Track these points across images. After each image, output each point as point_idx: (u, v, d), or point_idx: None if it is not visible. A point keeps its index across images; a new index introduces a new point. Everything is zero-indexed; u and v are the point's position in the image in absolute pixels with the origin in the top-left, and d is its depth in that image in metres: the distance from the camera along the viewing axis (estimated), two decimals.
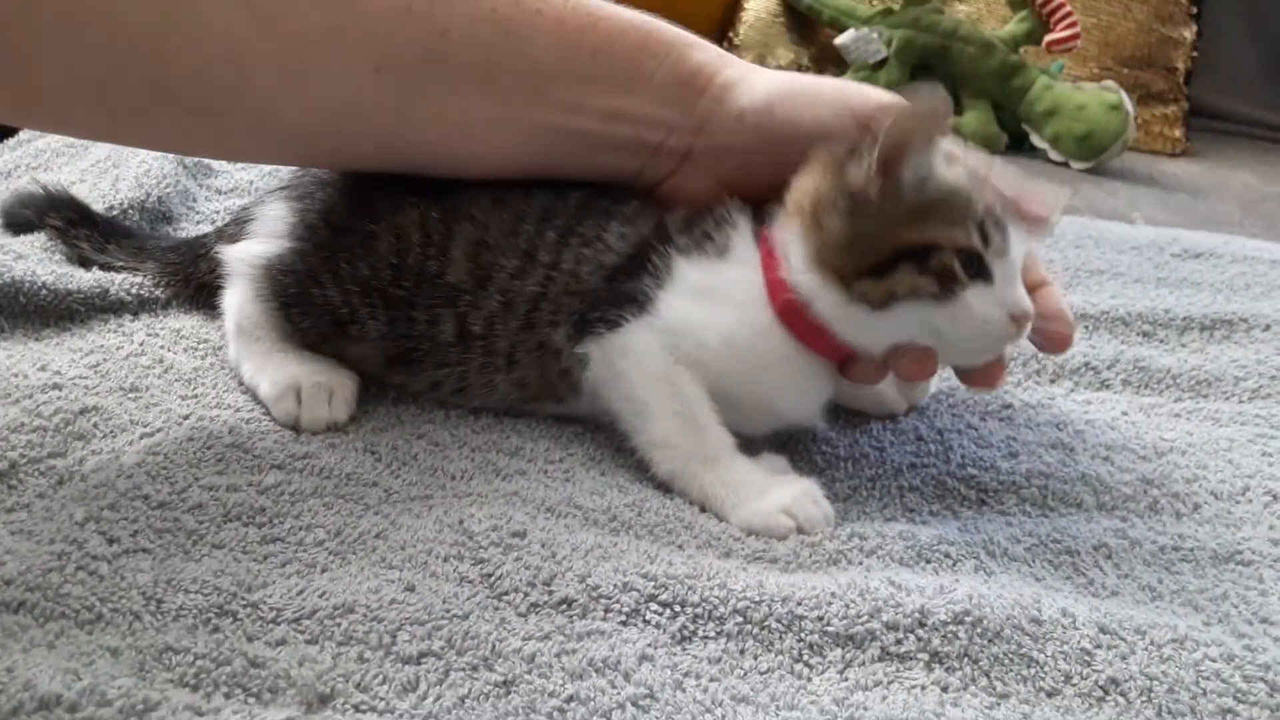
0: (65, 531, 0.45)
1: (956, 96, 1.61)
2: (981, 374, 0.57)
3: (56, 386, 0.56)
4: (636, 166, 0.59)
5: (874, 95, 0.58)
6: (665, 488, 0.55)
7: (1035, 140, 1.56)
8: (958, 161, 0.55)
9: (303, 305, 0.60)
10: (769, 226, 0.56)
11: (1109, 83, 1.56)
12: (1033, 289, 0.56)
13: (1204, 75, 1.85)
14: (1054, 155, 1.54)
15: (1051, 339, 0.59)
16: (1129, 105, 1.50)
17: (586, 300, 0.56)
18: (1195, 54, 1.82)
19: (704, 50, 0.59)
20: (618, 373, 0.55)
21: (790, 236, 0.54)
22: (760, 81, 0.59)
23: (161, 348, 0.62)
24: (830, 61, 1.69)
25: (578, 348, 0.56)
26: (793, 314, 0.55)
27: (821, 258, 0.53)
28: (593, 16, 0.57)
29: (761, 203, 0.57)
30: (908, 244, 0.52)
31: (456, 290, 0.57)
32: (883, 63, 1.59)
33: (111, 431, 0.53)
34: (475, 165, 0.59)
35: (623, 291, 0.56)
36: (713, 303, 0.55)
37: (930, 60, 1.59)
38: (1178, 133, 1.78)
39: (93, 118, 0.54)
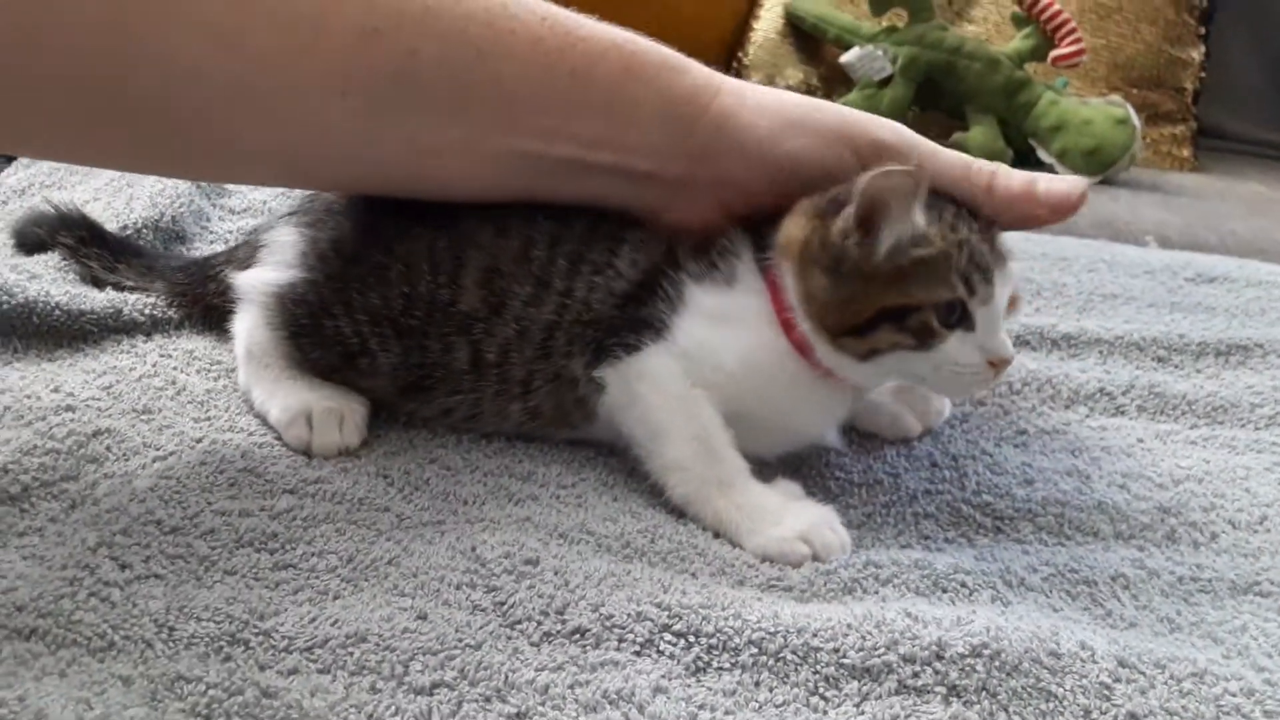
0: (77, 557, 0.45)
1: (962, 112, 1.61)
2: None
3: (70, 408, 0.56)
4: (627, 193, 0.57)
5: (876, 132, 0.57)
6: (678, 513, 0.55)
7: (1042, 155, 1.56)
8: (943, 202, 0.55)
9: (314, 336, 0.60)
10: (772, 255, 0.57)
11: (1115, 97, 1.56)
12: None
13: (1212, 96, 1.85)
14: (1061, 170, 1.54)
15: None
16: (1135, 119, 1.50)
17: (601, 328, 0.56)
18: (1203, 75, 1.82)
19: (694, 73, 0.57)
20: (635, 396, 0.55)
21: (785, 275, 0.55)
22: (761, 110, 0.56)
23: (174, 369, 0.62)
24: (839, 80, 1.69)
25: (595, 373, 0.56)
26: (801, 343, 0.56)
27: (809, 310, 0.55)
28: (572, 36, 0.54)
29: (762, 225, 0.57)
30: (888, 307, 0.53)
31: (470, 318, 0.57)
32: (888, 80, 1.60)
33: (124, 454, 0.53)
34: (449, 189, 0.57)
35: (639, 317, 0.56)
36: (727, 327, 0.56)
37: (936, 77, 1.59)
38: (1186, 152, 1.78)
39: (52, 140, 0.53)
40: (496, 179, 0.56)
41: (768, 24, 1.76)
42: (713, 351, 0.55)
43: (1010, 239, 0.97)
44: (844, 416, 0.59)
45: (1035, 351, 0.77)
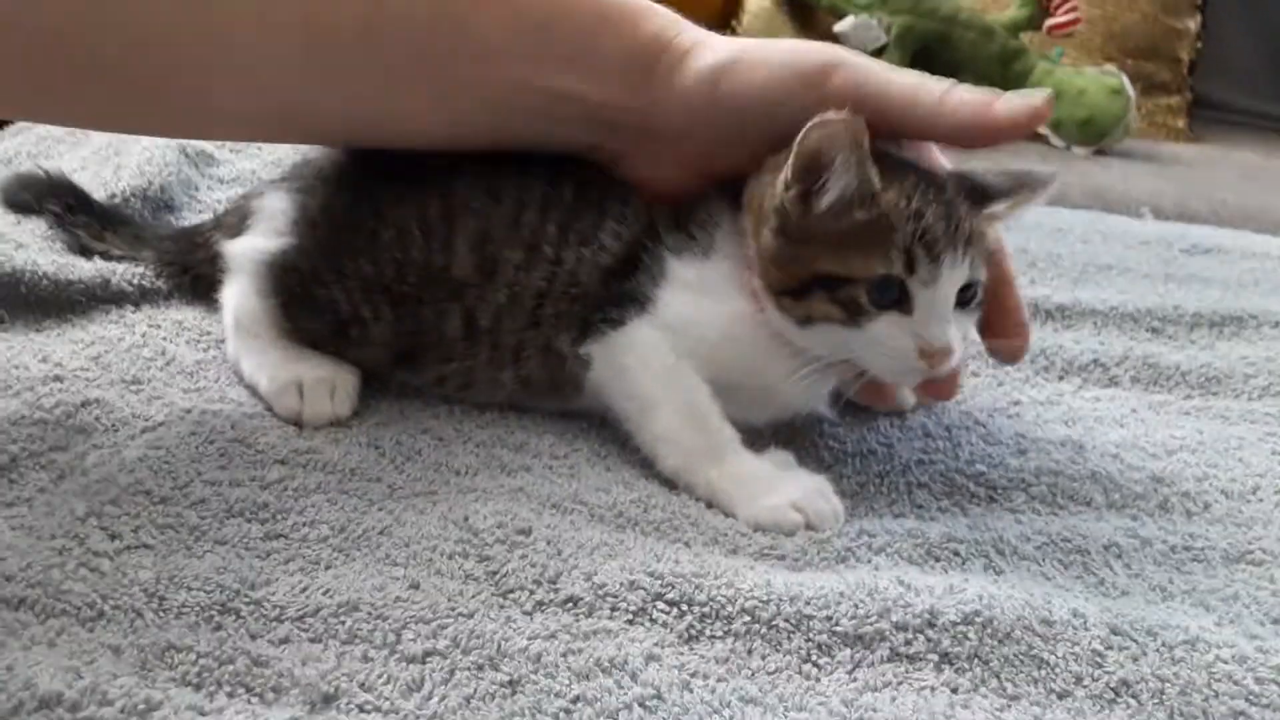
0: (66, 527, 0.44)
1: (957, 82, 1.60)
2: (931, 384, 0.56)
3: (58, 379, 0.55)
4: (591, 141, 0.57)
5: (824, 52, 0.53)
6: (671, 484, 0.54)
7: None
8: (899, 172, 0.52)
9: (305, 304, 0.59)
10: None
11: (1109, 67, 1.56)
12: (995, 285, 0.55)
13: (1207, 67, 1.85)
14: (1056, 140, 1.54)
15: (1000, 351, 0.57)
16: (1130, 89, 1.50)
17: (586, 304, 0.56)
18: (1199, 45, 1.82)
19: (658, 19, 0.55)
20: (622, 370, 0.55)
21: (746, 234, 0.54)
22: (711, 52, 0.54)
23: (163, 339, 0.62)
24: None
25: (581, 349, 0.56)
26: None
27: (757, 268, 0.53)
28: None
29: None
30: (821, 273, 0.51)
31: (463, 284, 0.57)
32: (882, 49, 1.59)
33: (113, 425, 0.53)
34: (418, 139, 0.57)
35: (623, 292, 0.56)
36: (707, 298, 0.55)
37: (930, 46, 1.58)
38: (1181, 123, 1.78)
39: (21, 98, 0.53)
40: (464, 128, 0.56)
41: None
42: (695, 323, 0.55)
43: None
44: (830, 385, 0.58)
45: (1030, 323, 0.77)
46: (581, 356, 0.56)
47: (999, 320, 0.57)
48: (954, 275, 0.52)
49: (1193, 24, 1.81)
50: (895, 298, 0.51)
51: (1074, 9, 1.51)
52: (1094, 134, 1.49)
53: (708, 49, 0.54)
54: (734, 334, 0.55)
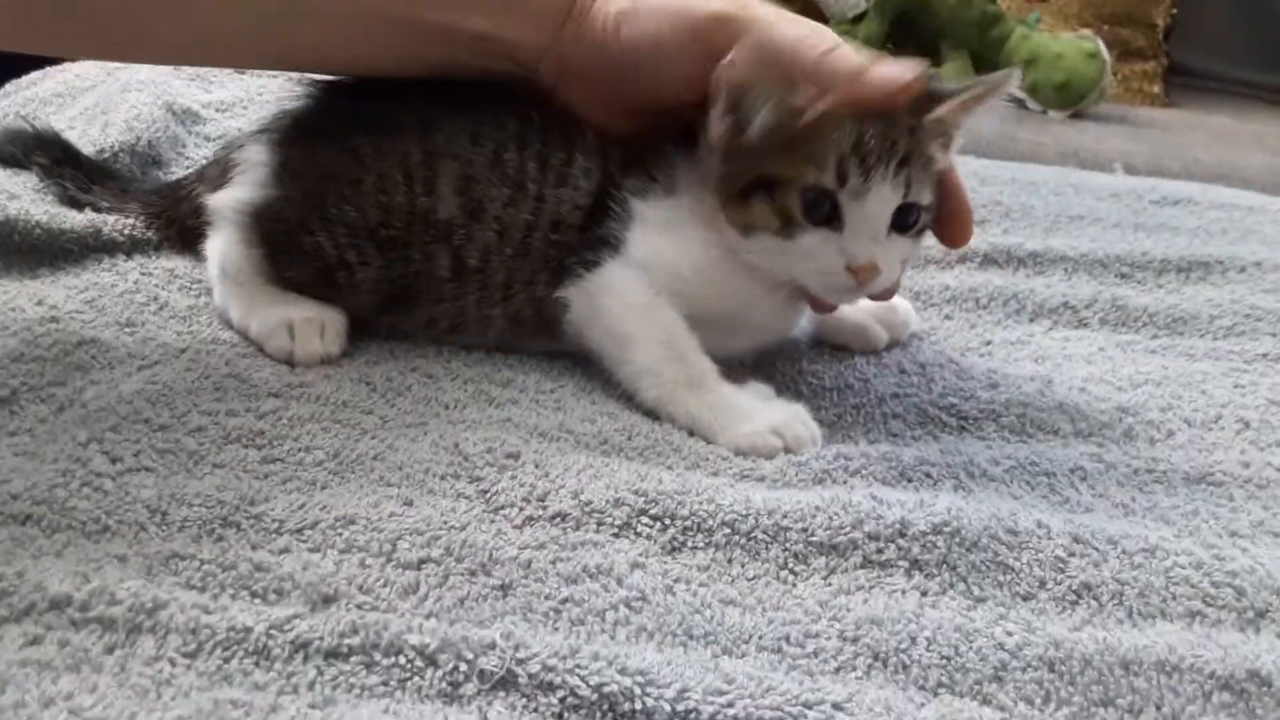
0: (69, 451, 0.46)
1: (936, 48, 1.62)
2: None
3: (54, 320, 0.57)
4: (515, 75, 0.60)
5: (710, 5, 0.55)
6: (655, 415, 0.56)
7: (1014, 89, 1.57)
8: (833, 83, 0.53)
9: (291, 252, 0.60)
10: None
11: (1085, 32, 1.58)
12: (944, 196, 0.57)
13: (1182, 33, 1.87)
14: (1033, 104, 1.56)
15: (949, 236, 0.59)
16: (1105, 54, 1.52)
17: (564, 248, 0.58)
18: (1174, 12, 1.84)
19: None
20: (599, 309, 0.57)
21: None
22: (617, 4, 0.57)
23: (156, 286, 0.63)
24: (814, 16, 1.69)
25: (557, 293, 0.57)
26: None
27: (709, 187, 0.56)
28: None
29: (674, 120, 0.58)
30: (759, 176, 0.54)
31: (450, 225, 0.58)
32: (862, 15, 1.60)
33: (109, 363, 0.54)
34: (349, 67, 0.61)
35: (596, 235, 0.58)
36: (676, 234, 0.57)
37: (910, 12, 1.60)
38: (1157, 88, 1.80)
39: None
40: (393, 61, 0.59)
41: None
42: (666, 259, 0.57)
43: (980, 166, 0.98)
44: (803, 312, 0.60)
45: (1002, 269, 0.79)
46: (559, 300, 0.58)
47: (948, 228, 0.59)
48: (886, 193, 0.53)
49: None
50: (826, 214, 0.53)
51: None
52: (1070, 98, 1.51)
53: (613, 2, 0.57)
54: (704, 264, 0.57)
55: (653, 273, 0.57)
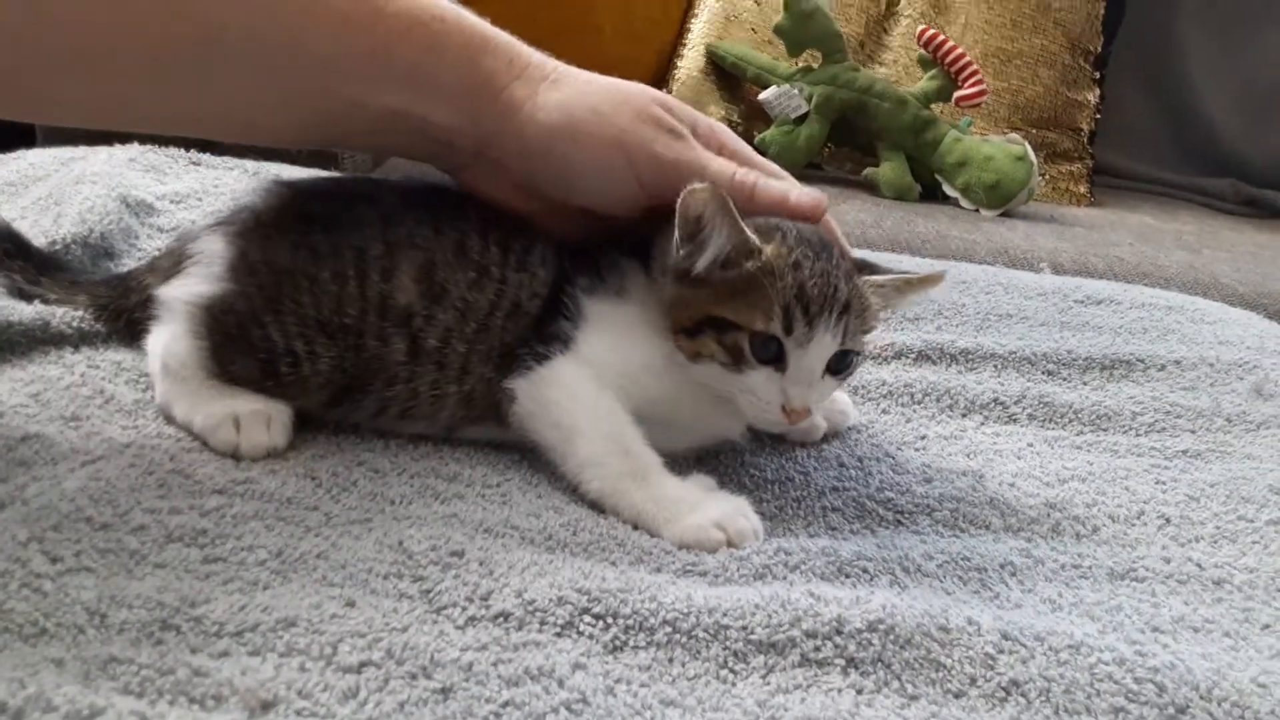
0: (8, 551, 0.45)
1: (874, 148, 1.69)
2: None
3: None
4: (433, 154, 0.61)
5: (652, 146, 0.58)
6: (600, 509, 0.57)
7: (947, 190, 1.64)
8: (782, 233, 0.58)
9: (239, 345, 0.60)
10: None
11: (1014, 135, 1.66)
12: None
13: (1106, 136, 1.97)
14: (965, 203, 1.63)
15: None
16: (1033, 156, 1.59)
17: (519, 336, 0.59)
18: (1098, 116, 1.94)
19: (495, 56, 0.59)
20: (545, 402, 0.58)
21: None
22: (546, 110, 0.58)
23: (102, 379, 0.63)
24: (758, 117, 1.76)
25: (506, 383, 0.59)
26: None
27: (664, 309, 0.59)
28: (380, 14, 0.57)
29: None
30: (713, 315, 0.57)
31: (408, 312, 0.59)
32: (804, 117, 1.66)
33: (53, 459, 0.54)
34: (265, 137, 0.62)
35: (548, 331, 0.59)
36: (627, 337, 0.60)
37: (849, 115, 1.67)
38: (1083, 188, 1.89)
39: None
40: (309, 133, 0.61)
41: (691, 63, 1.82)
42: (616, 359, 0.59)
43: (915, 264, 1.02)
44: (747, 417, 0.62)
45: (936, 365, 0.82)
46: (506, 390, 0.59)
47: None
48: (826, 341, 0.57)
49: (1092, 97, 1.93)
50: (774, 354, 0.57)
51: (980, 82, 1.61)
52: (1000, 197, 1.58)
53: (543, 108, 0.59)
54: (659, 367, 0.59)
55: (601, 370, 0.58)
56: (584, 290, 0.60)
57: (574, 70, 0.61)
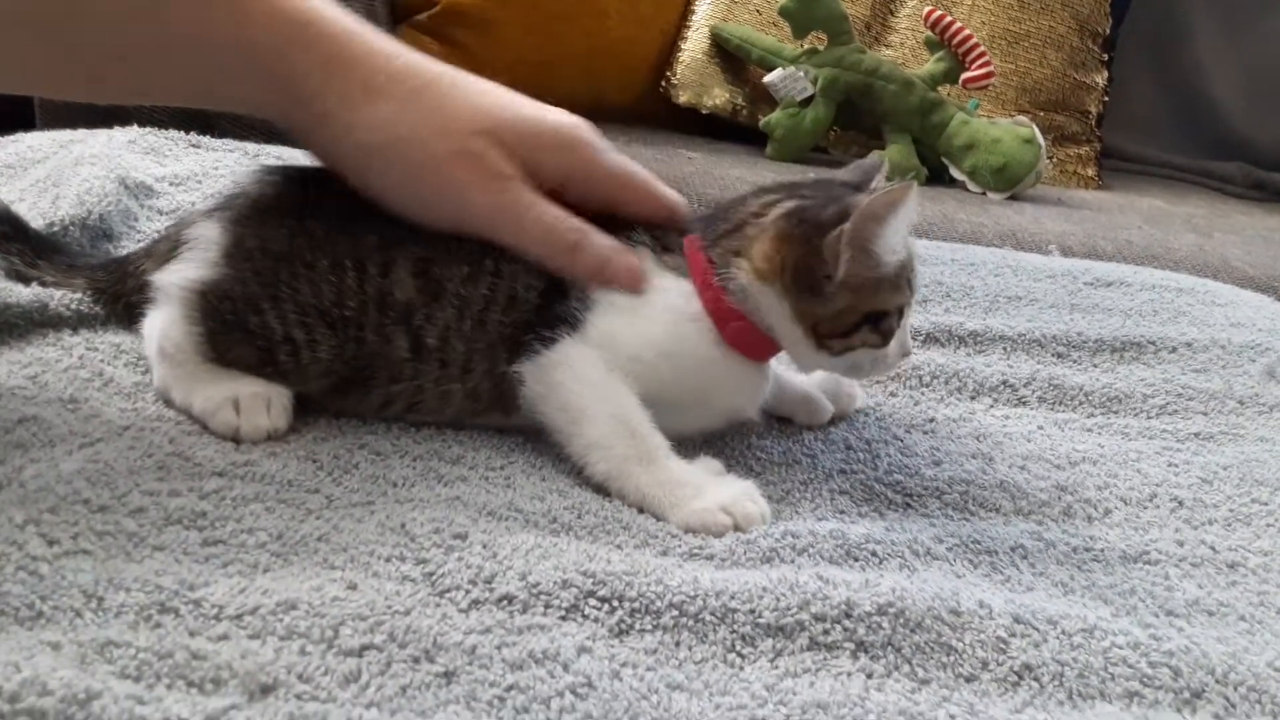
0: (4, 533, 0.45)
1: (880, 131, 1.67)
2: None
3: None
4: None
5: (464, 190, 0.57)
6: (604, 492, 0.56)
7: (954, 173, 1.63)
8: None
9: (236, 331, 0.59)
10: (706, 253, 0.60)
11: (1022, 118, 1.64)
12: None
13: (1115, 119, 1.96)
14: (972, 186, 1.61)
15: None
16: (1041, 139, 1.58)
17: (519, 324, 0.58)
18: (1106, 98, 1.92)
19: (311, 52, 0.56)
20: (553, 385, 0.57)
21: (758, 291, 0.59)
22: (358, 129, 0.57)
23: (101, 362, 0.62)
24: (763, 100, 1.75)
25: (514, 367, 0.58)
26: (743, 335, 0.60)
27: (802, 320, 0.59)
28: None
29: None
30: (872, 312, 0.59)
31: (408, 307, 0.58)
32: (810, 99, 1.65)
33: (50, 441, 0.53)
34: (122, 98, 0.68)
35: (555, 313, 0.58)
36: (641, 320, 0.59)
37: (854, 97, 1.65)
38: (1090, 171, 1.88)
39: None
40: (160, 97, 0.65)
41: (695, 45, 1.80)
42: (629, 344, 0.58)
43: (923, 247, 1.02)
44: (765, 393, 0.63)
45: (944, 347, 0.81)
46: (514, 374, 0.58)
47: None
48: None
49: (1100, 79, 1.91)
50: (900, 317, 0.61)
51: (988, 64, 1.60)
52: (1008, 181, 1.57)
53: (356, 127, 0.56)
54: (674, 350, 0.59)
55: (613, 352, 0.58)
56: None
57: (407, 73, 0.58)
